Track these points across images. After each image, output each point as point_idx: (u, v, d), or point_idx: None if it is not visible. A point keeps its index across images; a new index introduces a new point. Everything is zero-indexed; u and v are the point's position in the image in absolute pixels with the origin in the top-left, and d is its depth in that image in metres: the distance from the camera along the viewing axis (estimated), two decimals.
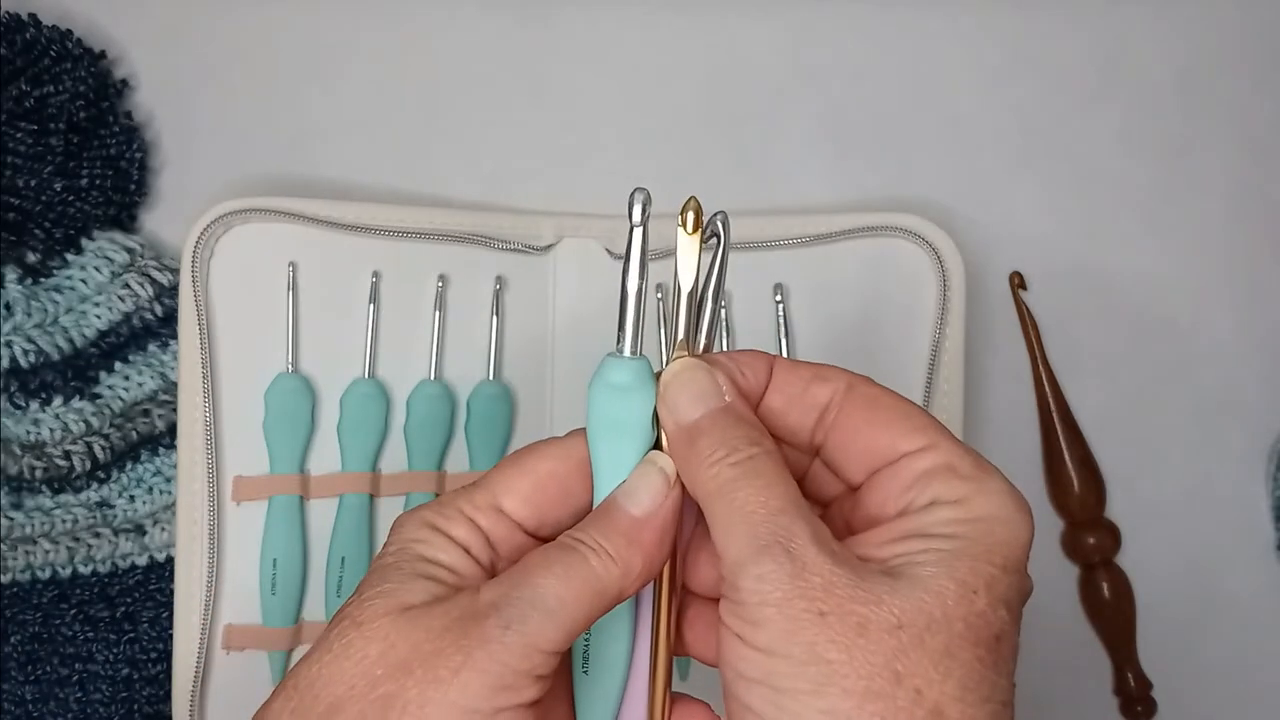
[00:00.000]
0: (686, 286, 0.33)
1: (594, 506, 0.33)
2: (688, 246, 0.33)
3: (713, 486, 0.31)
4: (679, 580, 0.34)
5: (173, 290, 0.53)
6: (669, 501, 0.32)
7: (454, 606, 0.30)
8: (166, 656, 0.52)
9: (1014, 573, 0.30)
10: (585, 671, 0.34)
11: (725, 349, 0.53)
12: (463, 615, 0.30)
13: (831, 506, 0.35)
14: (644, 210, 0.32)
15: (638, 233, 0.33)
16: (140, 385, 0.53)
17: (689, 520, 0.34)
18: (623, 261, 0.33)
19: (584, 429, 0.33)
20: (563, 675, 0.35)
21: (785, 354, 0.53)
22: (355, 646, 0.30)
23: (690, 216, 0.33)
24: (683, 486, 0.32)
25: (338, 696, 0.29)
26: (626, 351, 0.33)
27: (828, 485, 0.35)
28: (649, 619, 0.34)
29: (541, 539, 0.33)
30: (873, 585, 0.29)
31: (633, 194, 0.32)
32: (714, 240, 0.34)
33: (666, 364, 0.33)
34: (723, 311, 0.53)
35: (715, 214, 0.33)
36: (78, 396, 0.52)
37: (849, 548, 0.31)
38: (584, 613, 0.30)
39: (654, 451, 0.33)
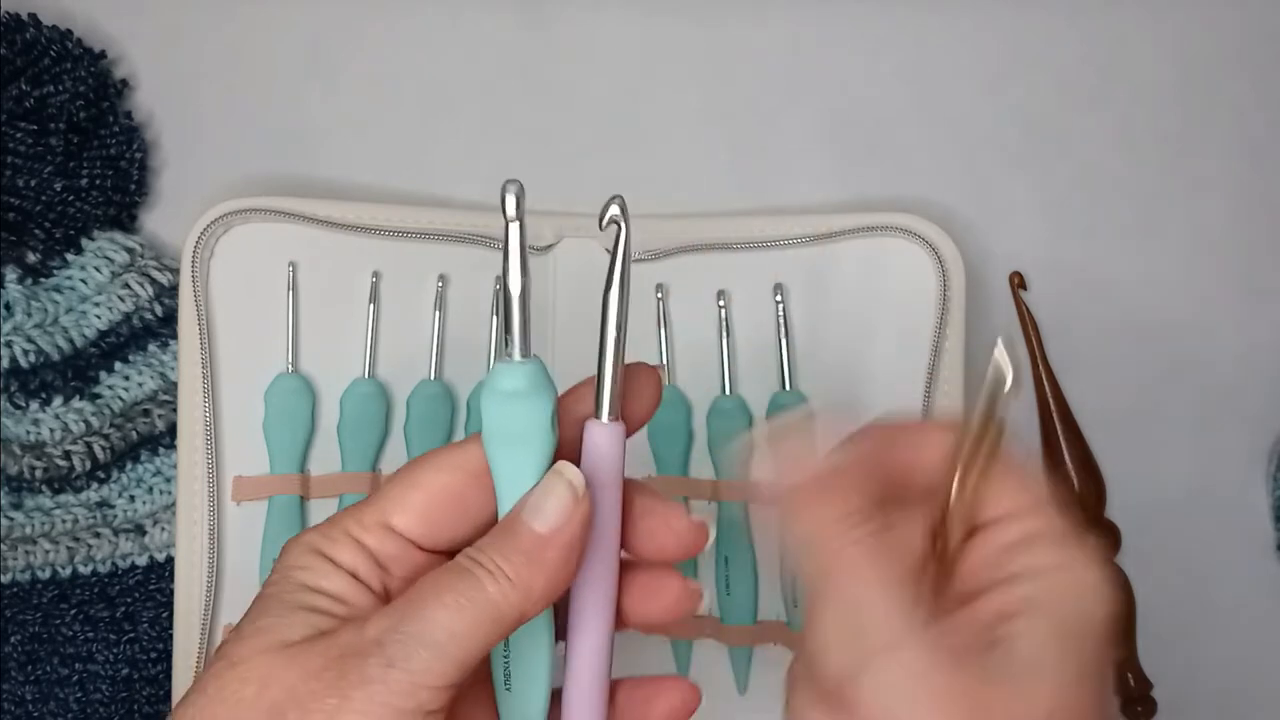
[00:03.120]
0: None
1: (500, 519, 0.31)
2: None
3: (830, 561, 0.29)
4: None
5: (173, 290, 0.53)
6: (577, 516, 0.30)
7: (334, 644, 0.28)
8: (166, 656, 0.52)
9: (1106, 643, 0.30)
10: (508, 688, 0.33)
11: (725, 349, 0.53)
12: (343, 653, 0.28)
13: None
14: (518, 203, 0.30)
15: (514, 228, 0.30)
16: (140, 385, 0.53)
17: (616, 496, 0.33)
18: (502, 261, 0.31)
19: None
20: (484, 693, 0.33)
21: (785, 355, 0.53)
22: (229, 688, 0.28)
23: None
24: (591, 501, 0.31)
25: None
26: (516, 355, 0.31)
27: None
28: (580, 624, 0.33)
29: (440, 554, 0.32)
30: (1000, 674, 0.28)
31: (504, 186, 0.30)
32: (614, 228, 0.31)
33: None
34: (722, 311, 0.53)
35: (611, 199, 0.31)
36: (78, 396, 0.52)
37: (952, 623, 0.30)
38: (479, 642, 0.29)
39: (562, 462, 0.31)
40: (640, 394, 0.33)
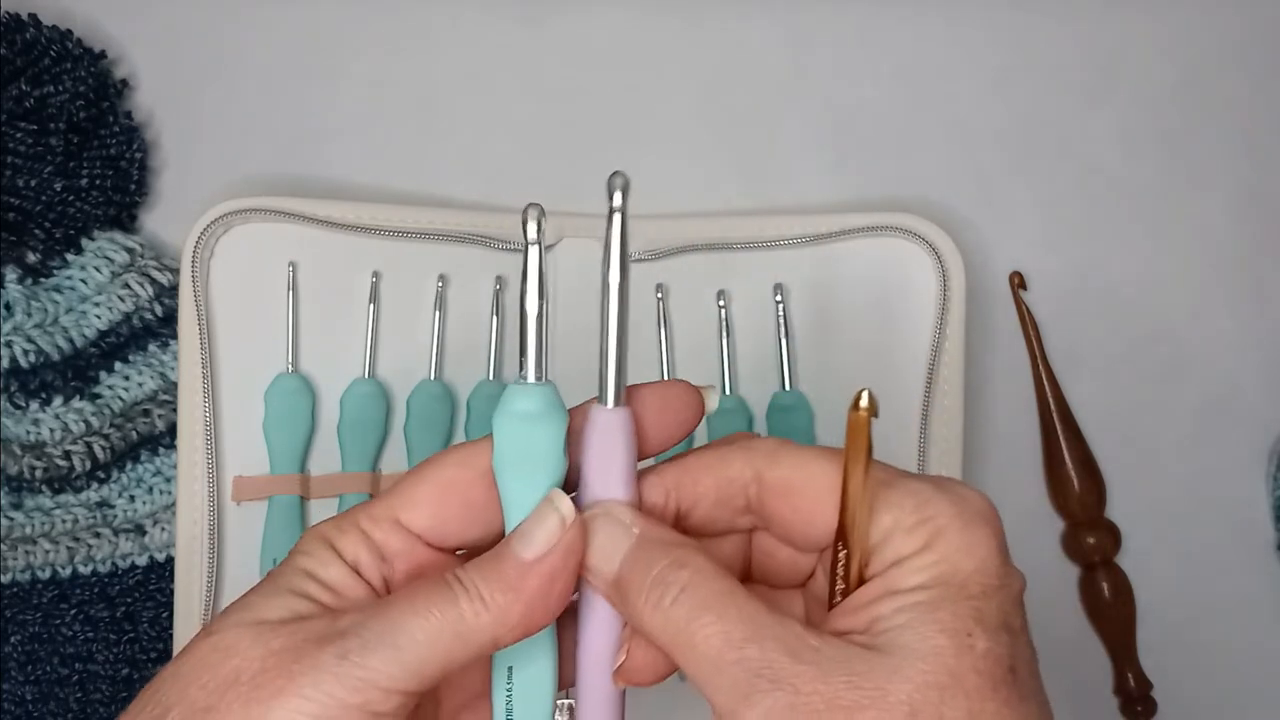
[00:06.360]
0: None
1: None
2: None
3: (667, 637, 0.29)
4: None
5: (173, 290, 0.53)
6: (561, 546, 0.30)
7: (303, 628, 0.29)
8: (166, 656, 0.52)
9: (997, 590, 0.29)
10: None
11: (725, 349, 0.53)
12: (307, 638, 0.28)
13: (807, 585, 0.34)
14: (539, 227, 0.30)
15: (534, 251, 0.30)
16: (140, 385, 0.53)
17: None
18: (521, 282, 0.31)
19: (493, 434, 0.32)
20: None
21: (785, 354, 0.53)
22: (199, 653, 0.29)
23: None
24: (582, 528, 0.30)
25: (170, 703, 0.28)
26: (530, 377, 0.31)
27: (789, 560, 0.33)
28: (589, 662, 0.32)
29: (449, 553, 0.32)
30: (870, 675, 0.27)
31: (526, 210, 0.30)
32: (616, 216, 0.31)
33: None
34: (722, 311, 0.53)
35: (613, 177, 0.31)
36: (78, 396, 0.52)
37: (828, 625, 0.29)
38: (440, 655, 0.28)
39: (555, 490, 0.31)
40: (676, 416, 0.33)
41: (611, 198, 0.31)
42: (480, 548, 0.32)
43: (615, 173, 0.31)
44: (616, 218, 0.31)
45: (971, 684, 0.27)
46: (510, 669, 0.32)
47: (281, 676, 0.28)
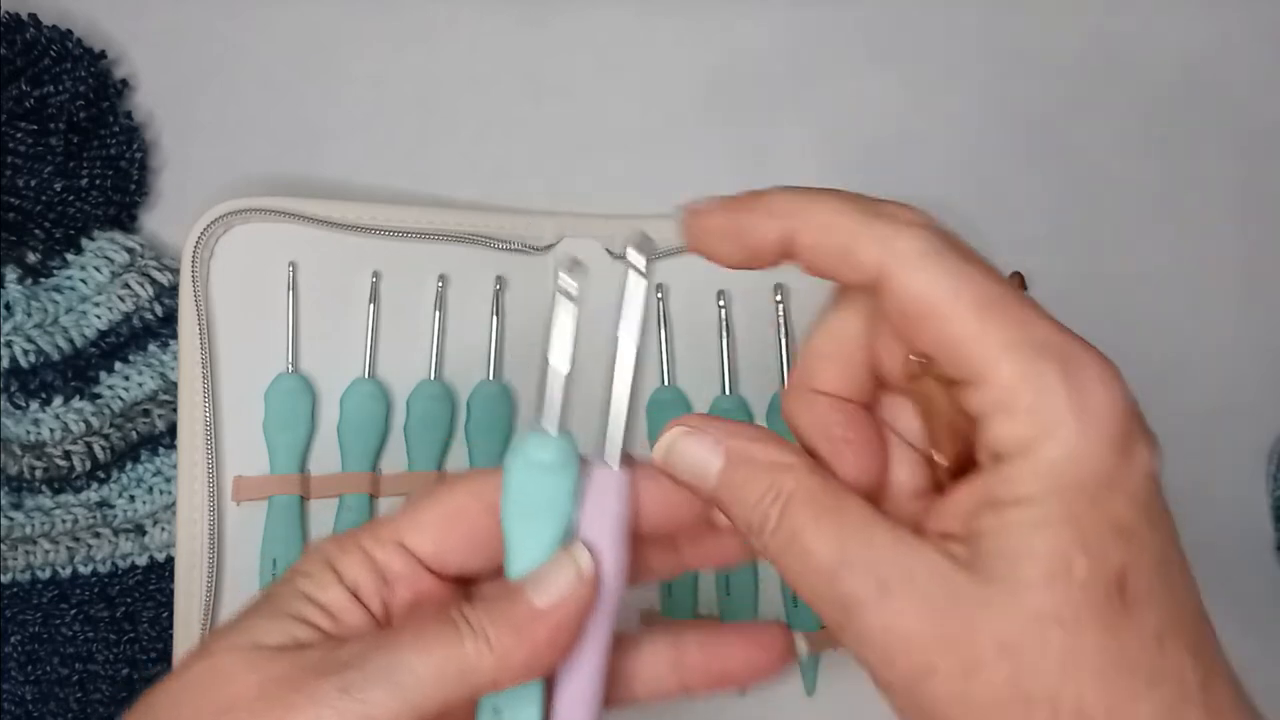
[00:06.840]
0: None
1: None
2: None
3: (772, 558, 0.29)
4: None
5: (173, 290, 0.53)
6: (574, 599, 0.30)
7: (304, 656, 0.29)
8: (166, 656, 0.52)
9: (1108, 491, 0.26)
10: None
11: (725, 349, 0.53)
12: (307, 667, 0.28)
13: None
14: (574, 281, 0.30)
15: (569, 307, 0.30)
16: (140, 385, 0.53)
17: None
18: (552, 336, 0.30)
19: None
20: None
21: (785, 355, 0.53)
22: (194, 675, 0.29)
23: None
24: (596, 587, 0.30)
25: None
26: (550, 429, 0.31)
27: None
28: (573, 690, 0.32)
29: (450, 581, 0.32)
30: (969, 600, 0.26)
31: (559, 261, 0.30)
32: (632, 270, 0.31)
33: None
34: (722, 311, 0.53)
35: (635, 233, 0.30)
36: (78, 396, 0.52)
37: (931, 522, 0.28)
38: (442, 693, 0.28)
39: (577, 543, 0.31)
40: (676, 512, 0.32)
41: (626, 254, 0.30)
42: (479, 578, 0.32)
43: (640, 233, 0.30)
44: (639, 281, 0.30)
45: (1068, 616, 0.25)
46: (496, 708, 0.32)
47: (279, 706, 0.27)
